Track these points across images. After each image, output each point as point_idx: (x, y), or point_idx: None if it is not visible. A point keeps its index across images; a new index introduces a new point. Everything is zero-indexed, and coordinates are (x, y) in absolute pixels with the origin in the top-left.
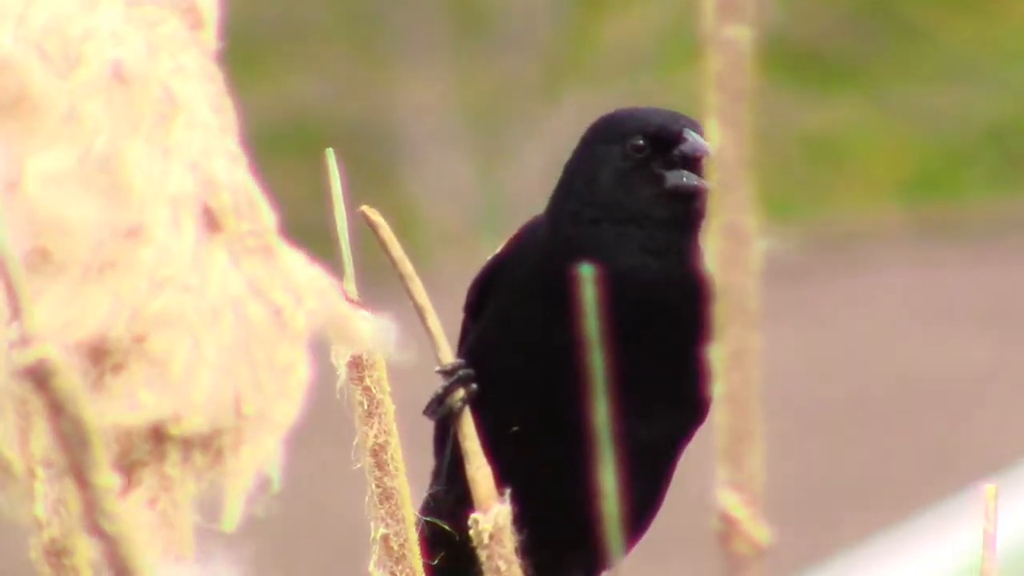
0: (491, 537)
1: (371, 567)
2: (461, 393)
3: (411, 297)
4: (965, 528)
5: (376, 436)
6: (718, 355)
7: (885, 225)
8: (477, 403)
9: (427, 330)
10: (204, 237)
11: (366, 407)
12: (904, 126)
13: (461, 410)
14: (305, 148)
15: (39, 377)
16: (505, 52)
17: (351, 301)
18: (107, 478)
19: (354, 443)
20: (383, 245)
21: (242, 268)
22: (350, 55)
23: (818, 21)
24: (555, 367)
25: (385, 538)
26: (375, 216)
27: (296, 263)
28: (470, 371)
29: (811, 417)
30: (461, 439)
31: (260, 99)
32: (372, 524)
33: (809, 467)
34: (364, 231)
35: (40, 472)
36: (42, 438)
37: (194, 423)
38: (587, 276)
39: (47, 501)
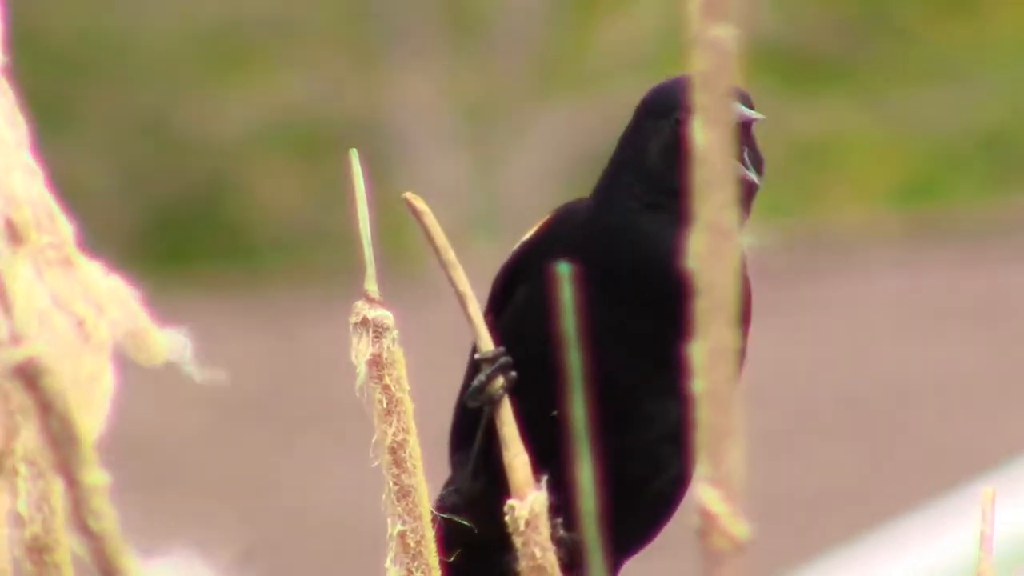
0: (527, 524)
1: (388, 563)
2: (501, 381)
3: (453, 285)
4: (953, 529)
5: (395, 434)
6: (698, 352)
7: (876, 227)
8: (515, 391)
9: (468, 317)
10: (7, 250)
11: (385, 405)
12: (895, 129)
13: (501, 398)
14: (299, 147)
15: (28, 376)
16: (498, 52)
17: (372, 300)
18: (95, 476)
19: (373, 440)
20: (426, 232)
21: (45, 280)
22: (344, 54)
23: (810, 25)
24: (599, 350)
25: (402, 535)
26: (419, 203)
27: (96, 273)
28: (509, 359)
29: (801, 418)
30: (499, 426)
31: (254, 98)
32: (389, 521)
33: (799, 466)
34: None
35: (23, 469)
36: (25, 436)
37: None
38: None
39: (30, 498)
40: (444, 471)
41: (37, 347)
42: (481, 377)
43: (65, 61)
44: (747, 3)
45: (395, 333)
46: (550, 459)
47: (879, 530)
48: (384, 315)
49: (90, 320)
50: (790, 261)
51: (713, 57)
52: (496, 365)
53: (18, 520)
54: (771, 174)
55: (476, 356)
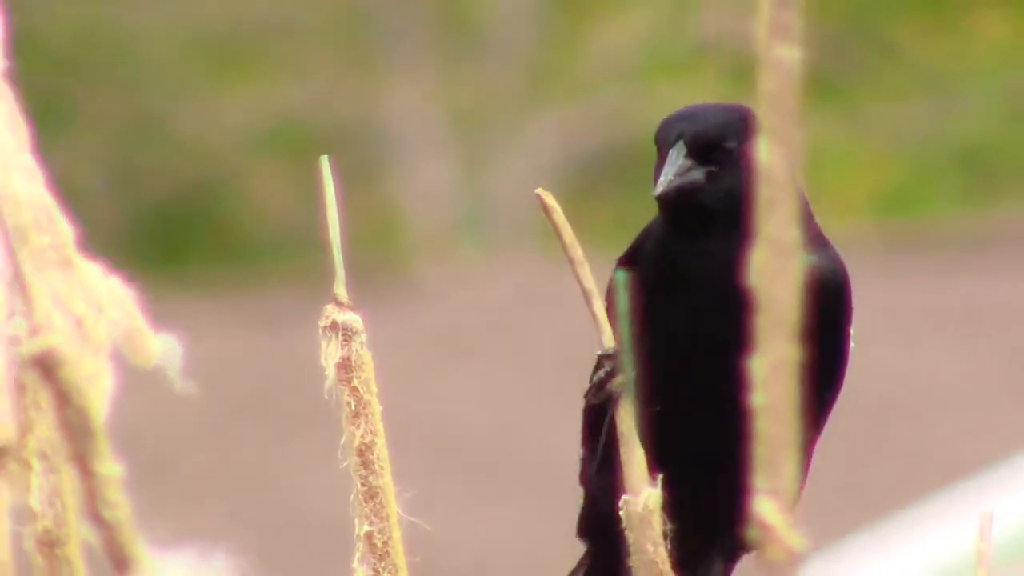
0: (640, 519)
1: (355, 563)
2: (621, 378)
3: (579, 281)
4: (935, 532)
5: (363, 436)
6: (758, 366)
7: (858, 239)
8: (633, 389)
9: (592, 314)
10: (10, 252)
11: (353, 407)
12: (877, 142)
13: (620, 395)
14: (291, 151)
15: (47, 367)
16: (490, 58)
17: (340, 304)
18: (109, 467)
19: (341, 442)
20: (555, 229)
21: (45, 280)
22: (339, 59)
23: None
24: (690, 358)
25: (369, 535)
26: (549, 199)
27: (95, 274)
28: (631, 357)
29: None
30: (617, 423)
31: (247, 102)
32: (356, 521)
33: None
34: (351, 236)
35: (36, 464)
36: (39, 431)
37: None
38: (621, 282)
39: (42, 493)
40: (411, 472)
41: (55, 338)
42: (600, 373)
43: (62, 62)
44: (803, 24)
45: (363, 336)
46: (667, 458)
47: (862, 534)
48: (353, 319)
49: (89, 320)
50: None
51: (778, 77)
52: (616, 363)
53: (30, 514)
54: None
55: (598, 352)
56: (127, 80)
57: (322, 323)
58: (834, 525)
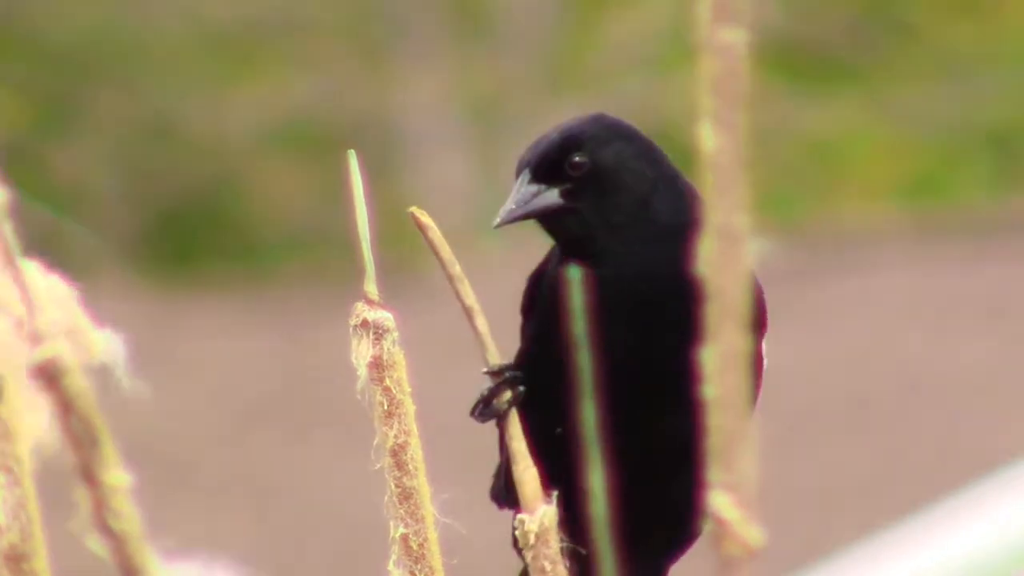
0: (537, 538)
1: (390, 566)
2: (508, 395)
3: (459, 298)
4: (965, 526)
5: (396, 436)
6: (710, 357)
7: (884, 226)
8: (525, 405)
9: (474, 330)
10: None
11: (386, 407)
12: (903, 127)
13: (507, 412)
14: (306, 147)
15: (50, 376)
16: (505, 52)
17: (371, 302)
18: (116, 476)
19: (374, 443)
20: (432, 247)
21: None
22: (351, 54)
23: (817, 23)
24: (613, 360)
25: (404, 537)
26: (424, 217)
27: (35, 273)
28: (517, 373)
29: (811, 416)
30: (508, 440)
31: (259, 99)
32: (391, 523)
33: (809, 466)
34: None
35: (0, 478)
36: (2, 445)
37: None
38: (573, 277)
39: (7, 506)
40: (447, 473)
41: (58, 347)
42: (483, 391)
43: (71, 62)
44: (754, 6)
45: (395, 335)
46: (564, 472)
47: (891, 528)
48: (384, 316)
49: (29, 320)
50: (799, 259)
51: (723, 60)
52: (501, 379)
53: None
54: (780, 173)
55: (483, 371)
56: (138, 80)
57: (353, 321)
58: (859, 520)
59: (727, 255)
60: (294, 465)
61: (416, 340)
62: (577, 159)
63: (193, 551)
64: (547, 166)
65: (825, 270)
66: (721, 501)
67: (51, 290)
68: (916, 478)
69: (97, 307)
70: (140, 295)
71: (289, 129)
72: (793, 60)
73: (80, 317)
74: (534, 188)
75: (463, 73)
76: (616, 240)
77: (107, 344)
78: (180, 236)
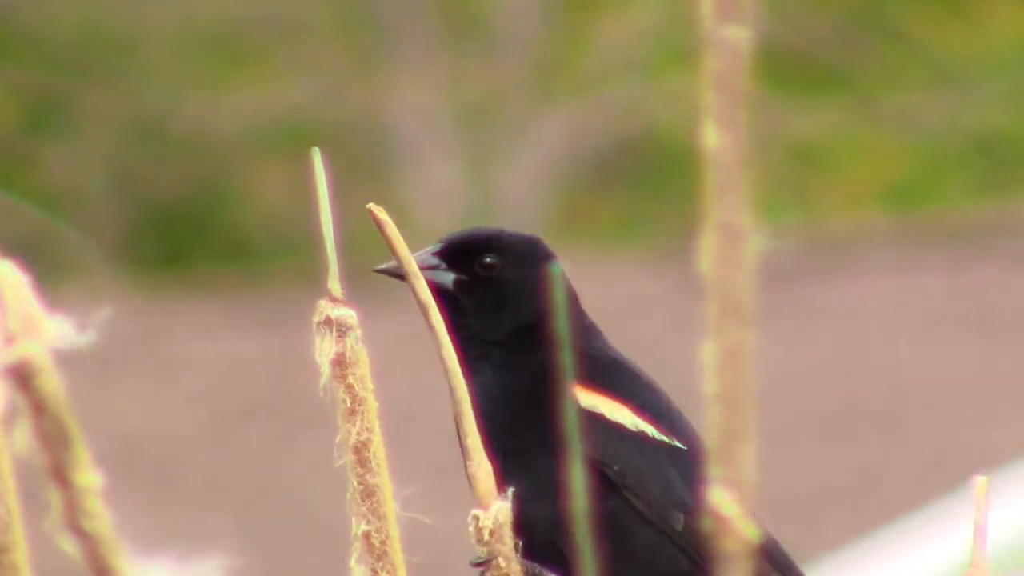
0: (491, 534)
1: (352, 563)
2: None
3: (415, 295)
4: (954, 530)
5: (358, 433)
6: (711, 354)
7: (871, 230)
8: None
9: (430, 326)
10: None
11: (348, 404)
12: (890, 132)
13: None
14: (296, 149)
15: (22, 376)
16: (496, 55)
17: (335, 299)
18: (88, 477)
19: (336, 440)
20: (388, 243)
21: None
22: (344, 57)
23: (805, 29)
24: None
25: (366, 534)
26: (382, 214)
27: (3, 271)
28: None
29: (799, 419)
30: (462, 437)
31: (253, 100)
32: (353, 520)
33: (797, 469)
34: (348, 232)
35: None
36: None
37: None
38: (557, 274)
39: None
40: (409, 470)
41: (30, 347)
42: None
43: (64, 61)
44: (756, 4)
45: (358, 332)
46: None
47: (879, 531)
48: (347, 314)
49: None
50: (786, 263)
51: (725, 58)
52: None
53: None
54: (767, 176)
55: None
56: (130, 80)
57: (316, 319)
58: (848, 523)
59: (729, 252)
60: (282, 466)
61: (409, 337)
62: (489, 261)
63: (167, 549)
64: (461, 252)
65: (811, 275)
66: (721, 497)
67: (4, 276)
68: (902, 483)
69: (85, 306)
70: (129, 295)
71: (280, 131)
72: (781, 65)
73: (32, 303)
74: (435, 261)
75: (454, 77)
76: (485, 350)
77: (59, 331)
78: (170, 237)
